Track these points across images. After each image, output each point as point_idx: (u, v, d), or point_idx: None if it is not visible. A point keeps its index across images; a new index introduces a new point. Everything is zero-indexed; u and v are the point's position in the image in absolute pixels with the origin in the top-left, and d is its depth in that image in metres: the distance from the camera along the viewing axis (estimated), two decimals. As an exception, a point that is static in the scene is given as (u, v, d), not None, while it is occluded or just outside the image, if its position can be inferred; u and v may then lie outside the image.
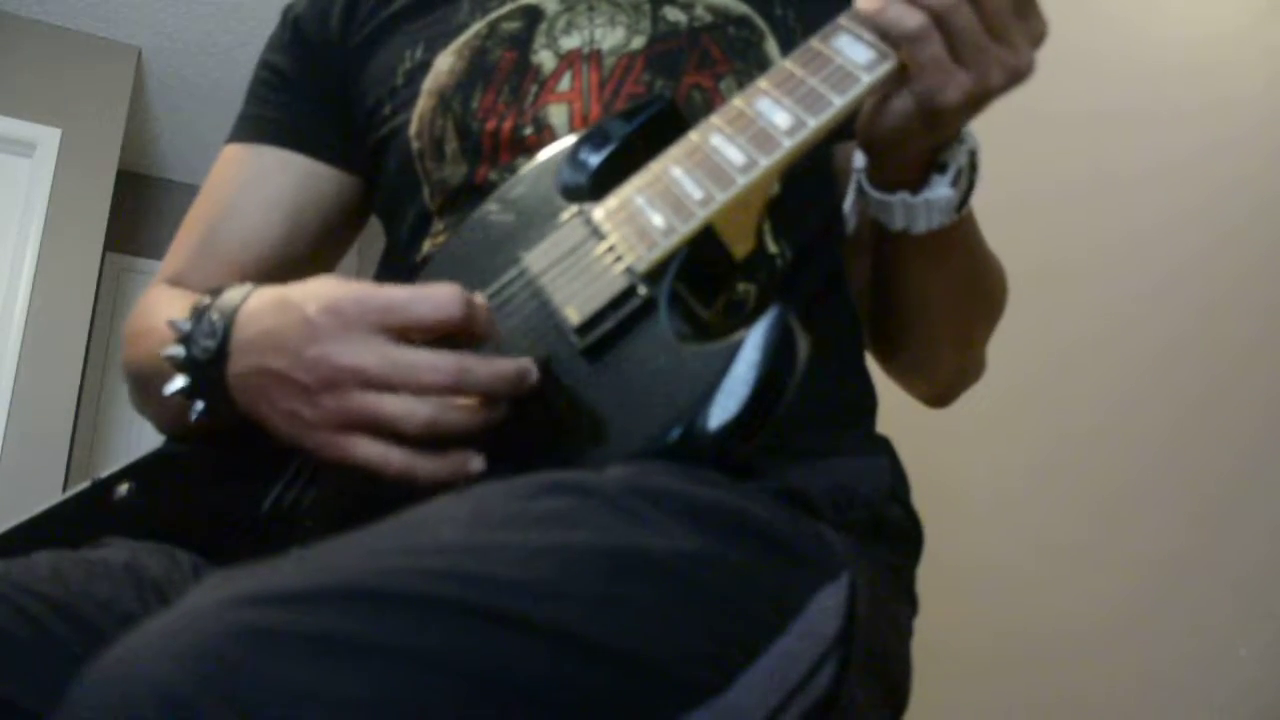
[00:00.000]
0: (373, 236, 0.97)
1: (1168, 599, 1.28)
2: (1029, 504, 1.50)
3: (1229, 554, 1.23)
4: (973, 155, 0.62)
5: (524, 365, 0.54)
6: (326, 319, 0.54)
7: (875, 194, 0.63)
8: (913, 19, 0.54)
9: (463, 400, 0.53)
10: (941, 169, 0.61)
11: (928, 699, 0.63)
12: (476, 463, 0.54)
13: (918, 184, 0.62)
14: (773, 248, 0.68)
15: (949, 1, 0.54)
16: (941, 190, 0.61)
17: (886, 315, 0.75)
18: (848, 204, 0.67)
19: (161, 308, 0.72)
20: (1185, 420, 1.32)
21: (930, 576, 0.68)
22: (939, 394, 0.82)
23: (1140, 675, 1.29)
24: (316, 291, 0.56)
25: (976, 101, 0.56)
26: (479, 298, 0.55)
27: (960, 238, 0.66)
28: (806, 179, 0.71)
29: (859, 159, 0.64)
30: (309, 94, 0.83)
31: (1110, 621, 1.33)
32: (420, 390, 0.52)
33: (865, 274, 0.76)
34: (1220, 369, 1.29)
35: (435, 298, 0.53)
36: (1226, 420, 1.27)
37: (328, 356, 0.53)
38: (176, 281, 0.81)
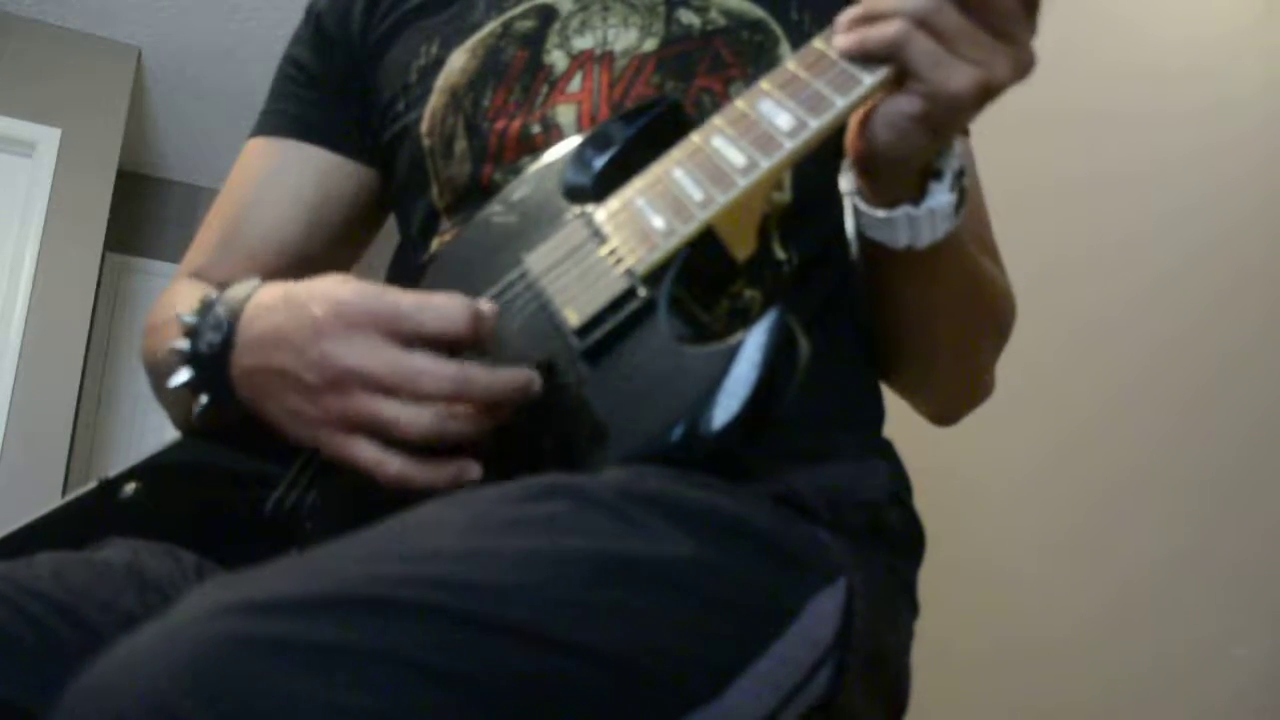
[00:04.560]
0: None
1: (1164, 599, 1.28)
2: (1026, 503, 1.50)
3: (1226, 554, 1.23)
4: (961, 158, 0.60)
5: (527, 377, 0.54)
6: (332, 319, 0.54)
7: (877, 214, 0.59)
8: (889, 27, 0.52)
9: (463, 409, 0.53)
10: (938, 175, 0.58)
11: (924, 697, 0.63)
12: (473, 471, 0.54)
13: (918, 196, 0.58)
14: (780, 253, 0.67)
15: (925, 4, 0.51)
16: (943, 197, 0.58)
17: (885, 335, 0.72)
18: (850, 228, 0.63)
19: (179, 301, 0.72)
20: (1183, 421, 1.32)
21: (928, 575, 0.68)
22: (943, 413, 0.79)
23: (1137, 675, 1.29)
24: (323, 291, 0.56)
25: (984, 93, 0.53)
26: (487, 305, 0.55)
27: (957, 246, 0.63)
28: (819, 184, 0.70)
29: (846, 183, 0.60)
30: (331, 89, 0.83)
31: (1107, 621, 1.33)
32: (421, 397, 0.52)
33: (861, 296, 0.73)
34: (1219, 368, 1.29)
35: (443, 309, 0.53)
36: (1224, 420, 1.27)
37: (332, 356, 0.54)
38: (198, 275, 0.81)
